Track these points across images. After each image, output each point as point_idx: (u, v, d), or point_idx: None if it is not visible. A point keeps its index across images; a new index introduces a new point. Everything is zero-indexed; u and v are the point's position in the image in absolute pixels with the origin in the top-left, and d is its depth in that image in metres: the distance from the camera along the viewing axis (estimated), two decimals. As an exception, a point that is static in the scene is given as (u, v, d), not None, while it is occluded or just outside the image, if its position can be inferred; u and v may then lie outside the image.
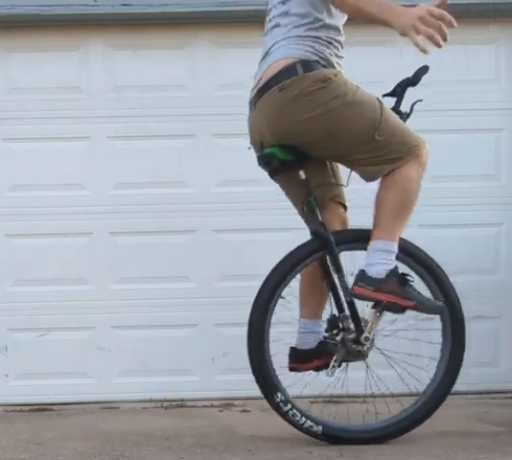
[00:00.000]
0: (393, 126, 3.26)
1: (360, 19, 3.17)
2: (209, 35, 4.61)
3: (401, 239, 3.30)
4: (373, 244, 3.23)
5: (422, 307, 3.24)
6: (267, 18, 3.37)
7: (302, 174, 3.35)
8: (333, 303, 3.37)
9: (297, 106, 3.19)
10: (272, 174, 3.44)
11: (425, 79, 4.70)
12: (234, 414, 4.20)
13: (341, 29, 3.31)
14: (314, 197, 3.35)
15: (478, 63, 4.71)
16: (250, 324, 3.37)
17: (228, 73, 4.62)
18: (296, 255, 3.36)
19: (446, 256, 4.67)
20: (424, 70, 3.53)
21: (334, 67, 3.27)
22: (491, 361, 4.71)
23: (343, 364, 3.40)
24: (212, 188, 4.63)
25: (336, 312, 3.37)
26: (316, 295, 3.43)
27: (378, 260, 3.21)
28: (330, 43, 3.25)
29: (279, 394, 3.34)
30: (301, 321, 3.45)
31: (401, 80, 3.56)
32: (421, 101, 3.49)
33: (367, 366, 3.44)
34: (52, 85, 4.58)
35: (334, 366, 3.35)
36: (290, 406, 3.34)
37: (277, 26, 3.28)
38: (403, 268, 3.33)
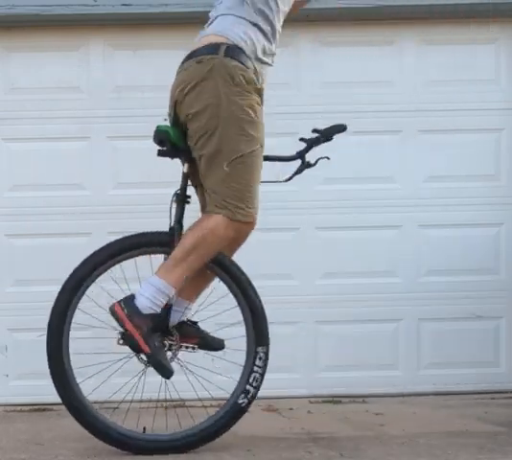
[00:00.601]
0: (248, 176, 3.13)
1: None
2: (209, 35, 4.61)
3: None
4: (154, 279, 3.17)
5: (153, 360, 3.19)
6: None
7: (185, 167, 3.30)
8: None
9: (207, 84, 3.10)
10: (160, 154, 3.37)
11: (425, 79, 4.73)
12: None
13: (276, 22, 3.21)
14: (183, 192, 3.31)
15: (478, 63, 4.70)
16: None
17: (228, 73, 4.61)
18: (138, 239, 3.34)
19: (446, 256, 4.71)
20: (339, 128, 3.41)
21: (261, 61, 3.17)
22: (491, 361, 4.72)
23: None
24: (212, 188, 4.62)
25: None
26: (198, 279, 3.33)
27: (149, 295, 3.15)
28: (264, 33, 3.17)
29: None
30: (174, 300, 3.33)
31: (325, 128, 3.43)
32: (328, 158, 3.38)
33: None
34: (52, 85, 4.58)
35: (188, 347, 3.34)
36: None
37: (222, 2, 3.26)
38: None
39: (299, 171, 3.42)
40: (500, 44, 4.72)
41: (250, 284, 3.37)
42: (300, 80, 4.66)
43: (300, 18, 4.53)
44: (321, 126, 3.45)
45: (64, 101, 4.58)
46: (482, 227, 4.72)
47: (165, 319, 3.22)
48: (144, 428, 3.38)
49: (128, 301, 3.18)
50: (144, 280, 3.23)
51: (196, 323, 3.38)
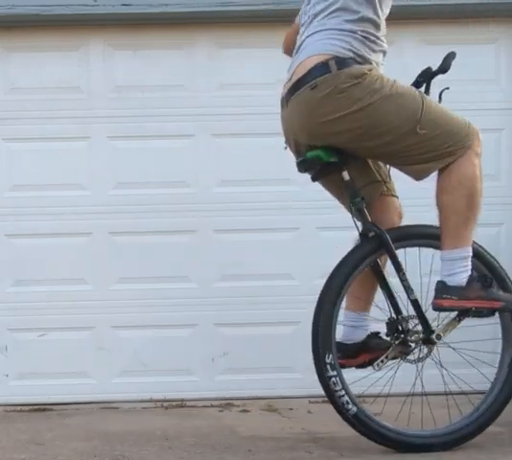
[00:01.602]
0: (437, 117, 3.09)
1: None
2: (209, 35, 4.61)
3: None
4: (447, 254, 3.13)
5: (510, 305, 3.17)
6: (302, 10, 3.25)
7: (346, 175, 3.21)
8: (389, 305, 3.27)
9: (331, 104, 3.05)
10: (315, 178, 3.32)
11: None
12: (234, 414, 4.19)
13: (382, 23, 3.19)
14: (361, 198, 3.22)
15: (478, 63, 4.70)
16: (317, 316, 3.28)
17: (228, 73, 4.61)
18: (353, 259, 3.25)
19: (446, 256, 4.68)
20: (452, 56, 3.33)
21: (370, 63, 3.13)
22: (490, 361, 4.70)
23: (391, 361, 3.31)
24: (212, 188, 4.62)
25: (393, 315, 3.27)
26: (366, 288, 3.32)
27: (458, 269, 3.11)
28: (365, 38, 3.11)
29: (331, 355, 3.16)
30: (347, 314, 3.32)
31: (422, 70, 3.40)
32: (448, 88, 3.29)
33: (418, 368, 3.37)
34: (52, 85, 4.58)
35: (383, 361, 3.24)
36: (335, 373, 3.17)
37: (314, 16, 3.15)
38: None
39: None
40: (500, 44, 4.72)
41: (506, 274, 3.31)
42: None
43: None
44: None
45: (64, 101, 4.58)
46: (482, 227, 4.67)
47: (480, 273, 3.16)
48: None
49: (445, 289, 3.14)
50: (441, 262, 3.17)
51: (378, 333, 3.32)
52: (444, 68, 3.34)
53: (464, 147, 3.08)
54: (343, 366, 3.28)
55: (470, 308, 3.14)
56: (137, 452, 3.33)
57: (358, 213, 3.25)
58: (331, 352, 3.17)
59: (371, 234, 3.22)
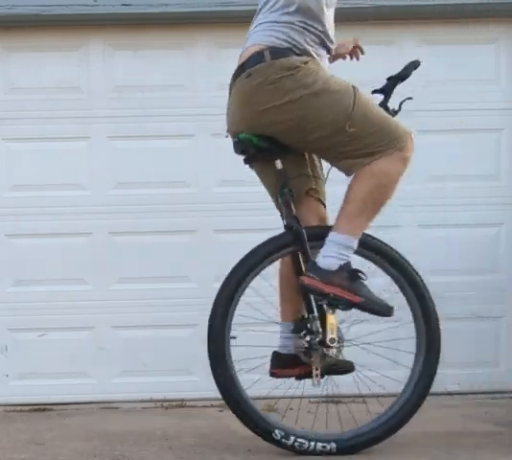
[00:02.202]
0: (369, 116, 3.07)
1: None
2: (209, 35, 4.61)
3: (369, 236, 3.19)
4: (332, 236, 3.07)
5: (369, 305, 3.09)
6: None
7: (278, 164, 3.21)
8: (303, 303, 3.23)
9: (264, 94, 3.07)
10: (248, 162, 3.32)
11: (425, 78, 4.72)
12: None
13: (325, 18, 3.17)
14: (289, 189, 3.20)
15: (478, 63, 4.70)
16: (210, 324, 3.25)
17: (228, 73, 4.57)
18: (266, 248, 3.24)
19: (446, 256, 4.70)
20: (414, 65, 3.38)
21: (310, 55, 3.13)
22: (491, 361, 4.71)
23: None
24: (212, 188, 4.63)
25: (304, 314, 3.22)
26: (297, 297, 3.25)
27: (333, 253, 3.06)
28: (305, 29, 3.12)
29: (277, 431, 3.22)
30: (282, 324, 3.30)
31: (390, 75, 3.45)
32: (411, 98, 3.36)
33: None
34: (52, 85, 4.59)
35: (317, 375, 3.22)
36: (293, 438, 3.22)
37: (258, 11, 3.22)
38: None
39: None
40: (500, 44, 4.72)
41: (413, 268, 3.32)
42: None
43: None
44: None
45: (64, 101, 4.58)
46: (482, 227, 4.72)
47: (352, 266, 3.10)
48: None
49: (313, 268, 3.07)
50: (325, 241, 3.09)
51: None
52: (403, 76, 3.38)
53: (394, 148, 3.05)
54: (277, 376, 3.32)
55: (327, 293, 3.04)
56: (137, 452, 3.33)
57: (284, 204, 3.23)
58: (272, 428, 3.21)
59: (292, 228, 3.20)
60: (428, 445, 3.38)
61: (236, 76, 3.19)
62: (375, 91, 3.38)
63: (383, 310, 3.14)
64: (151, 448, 3.42)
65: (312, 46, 3.15)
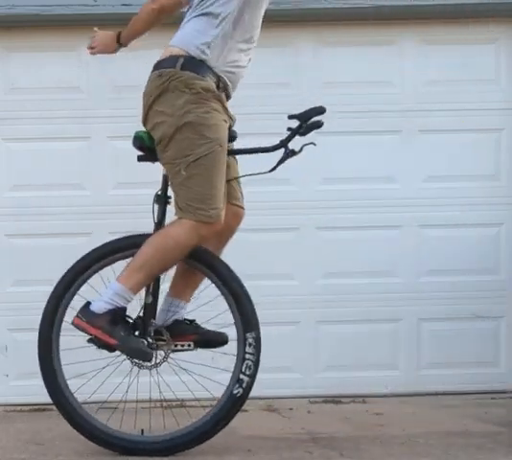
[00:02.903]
0: (207, 178, 3.13)
1: None
2: (209, 35, 4.61)
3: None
4: (114, 284, 3.22)
5: (123, 348, 3.23)
6: None
7: (164, 170, 3.31)
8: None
9: (160, 98, 3.19)
10: (139, 159, 3.41)
11: (425, 79, 4.73)
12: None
13: (247, 16, 3.19)
14: (164, 193, 3.35)
15: (478, 63, 4.70)
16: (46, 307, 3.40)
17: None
18: (115, 244, 3.37)
19: (446, 256, 4.70)
20: (318, 110, 3.35)
21: (225, 71, 3.19)
22: (491, 361, 4.71)
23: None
24: (212, 188, 4.62)
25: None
26: (189, 277, 3.36)
27: (107, 299, 3.21)
28: (223, 30, 3.15)
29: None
30: (166, 299, 3.37)
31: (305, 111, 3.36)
32: (314, 145, 3.29)
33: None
34: (52, 85, 4.58)
35: (183, 345, 3.37)
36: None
37: (193, 6, 3.26)
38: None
39: (283, 159, 3.32)
40: (500, 44, 4.72)
41: (229, 269, 3.32)
42: (300, 81, 4.66)
43: (300, 18, 4.54)
44: (323, 126, 3.39)
45: (64, 101, 4.58)
46: (482, 227, 4.72)
47: (122, 312, 3.23)
48: (142, 431, 3.35)
49: (84, 310, 3.25)
50: (107, 287, 3.26)
51: (193, 321, 3.37)
52: (300, 118, 3.31)
53: (199, 217, 3.13)
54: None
55: (92, 334, 3.23)
56: (137, 452, 3.33)
57: (159, 208, 3.38)
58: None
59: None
60: (428, 445, 3.38)
61: (154, 68, 3.31)
62: (291, 116, 3.33)
63: (137, 353, 3.26)
64: (151, 448, 3.41)
65: (228, 57, 3.19)
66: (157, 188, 4.57)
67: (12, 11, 4.45)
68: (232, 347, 3.32)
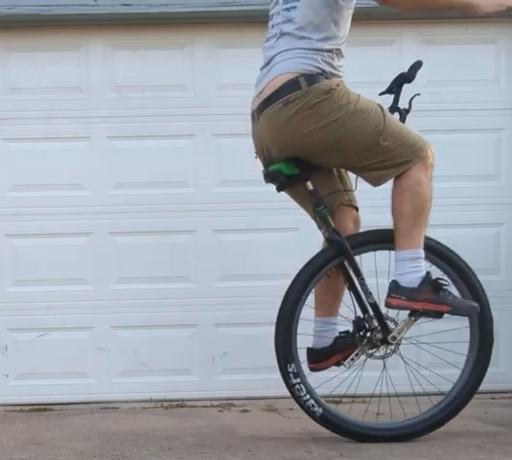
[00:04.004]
0: (396, 130, 3.31)
1: (428, 11, 3.50)
2: (209, 35, 4.61)
3: (427, 238, 3.36)
4: (399, 254, 3.29)
5: (457, 310, 3.32)
6: (270, 23, 3.36)
7: (309, 185, 3.41)
8: (356, 305, 3.41)
9: (302, 119, 3.23)
10: (280, 189, 3.50)
11: (425, 79, 4.72)
12: (234, 414, 4.19)
13: (345, 35, 3.34)
14: (324, 206, 3.40)
15: (478, 63, 4.70)
16: (278, 320, 3.42)
17: (228, 73, 4.61)
18: (315, 263, 3.41)
19: (446, 256, 4.68)
20: (418, 65, 3.54)
21: (336, 76, 3.29)
22: (491, 361, 4.70)
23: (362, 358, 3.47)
24: (212, 188, 4.63)
25: (360, 314, 3.41)
26: (331, 295, 3.47)
27: (408, 269, 3.27)
28: (331, 52, 3.27)
29: (293, 365, 3.37)
30: (317, 320, 3.49)
31: (395, 77, 3.58)
32: (419, 95, 3.51)
33: (384, 366, 3.51)
34: (52, 85, 4.58)
35: (353, 359, 3.42)
36: (298, 380, 3.39)
37: (281, 34, 3.28)
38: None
39: (402, 121, 3.50)
40: (500, 44, 4.72)
41: (473, 273, 3.45)
42: (300, 80, 4.65)
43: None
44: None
45: (64, 101, 4.58)
46: (482, 227, 4.72)
47: (432, 276, 3.28)
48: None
49: (396, 288, 3.27)
50: (395, 262, 3.31)
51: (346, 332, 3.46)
52: (408, 78, 3.56)
53: (419, 157, 3.30)
54: (316, 370, 3.49)
55: (417, 309, 3.28)
56: (137, 452, 3.33)
57: (322, 221, 3.43)
58: (292, 361, 3.38)
59: (334, 241, 3.40)
60: (428, 445, 3.37)
61: (267, 103, 3.28)
62: (382, 93, 3.56)
63: (469, 311, 3.41)
64: (151, 448, 3.42)
65: (335, 66, 3.29)
66: (157, 188, 4.61)
67: (12, 11, 4.45)
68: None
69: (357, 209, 3.52)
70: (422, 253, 3.28)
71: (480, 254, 4.69)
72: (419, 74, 4.69)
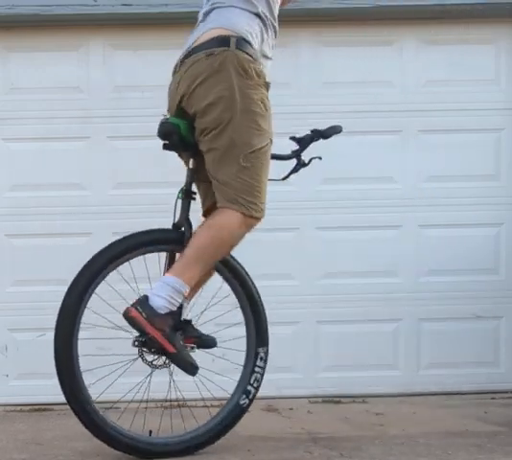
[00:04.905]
0: (260, 171, 3.10)
1: None
2: (209, 35, 4.61)
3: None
4: (167, 279, 3.11)
5: (179, 359, 3.12)
6: None
7: (191, 163, 3.26)
8: None
9: (211, 78, 3.05)
10: (165, 148, 3.32)
11: (425, 79, 4.73)
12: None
13: (276, 12, 3.19)
14: (191, 191, 3.27)
15: (478, 63, 4.70)
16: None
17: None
18: (145, 237, 3.25)
19: (446, 256, 4.70)
20: (337, 129, 3.43)
21: (264, 56, 3.15)
22: (491, 361, 4.72)
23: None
24: (212, 188, 4.62)
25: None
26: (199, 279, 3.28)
27: (166, 295, 3.07)
28: (265, 24, 3.13)
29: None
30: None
31: (314, 129, 3.46)
32: (320, 159, 3.39)
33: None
34: (52, 85, 4.58)
35: (188, 347, 3.23)
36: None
37: None
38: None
39: (295, 170, 3.41)
40: (500, 44, 4.72)
41: (253, 283, 3.37)
42: (300, 80, 4.66)
43: (300, 18, 4.54)
44: (321, 127, 3.46)
45: (64, 101, 4.58)
46: (482, 227, 4.72)
47: (179, 317, 3.14)
48: (150, 432, 3.32)
49: (144, 303, 3.07)
50: (157, 279, 3.16)
51: (189, 322, 3.30)
52: (325, 134, 3.43)
53: (250, 210, 3.10)
54: None
55: (148, 333, 3.06)
56: (137, 452, 3.33)
57: (182, 202, 3.28)
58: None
59: (180, 229, 3.23)
60: (427, 445, 3.38)
61: (194, 51, 3.14)
62: (293, 138, 3.42)
63: (189, 368, 3.17)
64: (151, 448, 3.42)
65: (267, 45, 3.16)
66: (157, 188, 4.60)
67: (12, 11, 4.45)
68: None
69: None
70: (186, 290, 3.09)
71: (480, 254, 4.70)
72: (419, 74, 4.73)
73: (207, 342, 3.34)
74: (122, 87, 4.61)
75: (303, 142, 3.42)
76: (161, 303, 3.07)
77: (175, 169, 4.65)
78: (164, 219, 4.62)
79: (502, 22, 4.68)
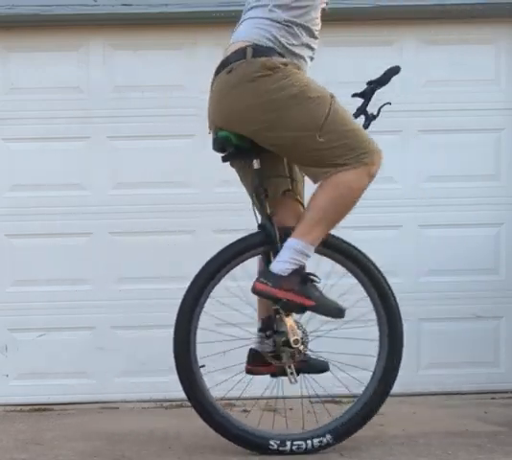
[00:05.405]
0: (342, 128, 3.07)
1: None
2: (209, 35, 4.61)
3: (333, 236, 3.23)
4: (290, 242, 3.08)
5: (321, 308, 3.11)
6: None
7: (256, 164, 3.22)
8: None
9: (241, 92, 3.09)
10: (226, 160, 3.33)
11: (425, 78, 4.72)
12: (234, 414, 4.19)
13: (313, 13, 3.22)
14: (264, 188, 3.22)
15: (478, 63, 4.70)
16: (179, 313, 3.36)
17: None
18: (238, 246, 3.25)
19: (446, 256, 4.70)
20: (394, 70, 3.41)
21: (295, 55, 3.15)
22: (491, 361, 4.71)
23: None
24: (212, 188, 4.62)
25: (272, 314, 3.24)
26: None
27: (288, 258, 3.07)
28: (291, 26, 3.13)
29: (272, 441, 3.32)
30: (259, 322, 3.33)
31: (370, 80, 3.48)
32: (390, 104, 3.37)
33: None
34: (52, 85, 4.58)
35: (291, 373, 3.24)
36: (289, 443, 3.31)
37: (248, 8, 3.24)
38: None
39: (366, 126, 3.33)
40: (500, 44, 4.72)
41: (378, 270, 3.33)
42: (300, 80, 4.65)
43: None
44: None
45: (64, 101, 4.58)
46: (482, 227, 4.72)
47: (304, 270, 3.11)
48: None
49: (266, 274, 3.09)
50: (282, 247, 3.12)
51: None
52: (382, 82, 3.41)
53: (362, 162, 3.05)
54: (251, 372, 3.33)
55: (280, 298, 3.07)
56: (137, 452, 3.34)
57: (258, 203, 3.25)
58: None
59: (264, 228, 3.22)
60: (427, 445, 3.38)
61: (218, 71, 3.21)
62: (355, 95, 3.41)
63: (334, 312, 3.17)
64: (151, 448, 3.42)
65: (295, 46, 3.16)
66: (157, 188, 4.60)
67: (12, 11, 4.45)
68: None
69: (302, 205, 3.28)
70: (311, 251, 3.08)
71: (480, 254, 4.70)
72: (419, 74, 4.72)
73: (317, 367, 3.35)
74: (122, 87, 4.61)
75: (366, 95, 3.39)
76: (283, 266, 3.07)
77: (176, 169, 4.68)
78: (164, 220, 4.65)
79: (502, 22, 4.68)
